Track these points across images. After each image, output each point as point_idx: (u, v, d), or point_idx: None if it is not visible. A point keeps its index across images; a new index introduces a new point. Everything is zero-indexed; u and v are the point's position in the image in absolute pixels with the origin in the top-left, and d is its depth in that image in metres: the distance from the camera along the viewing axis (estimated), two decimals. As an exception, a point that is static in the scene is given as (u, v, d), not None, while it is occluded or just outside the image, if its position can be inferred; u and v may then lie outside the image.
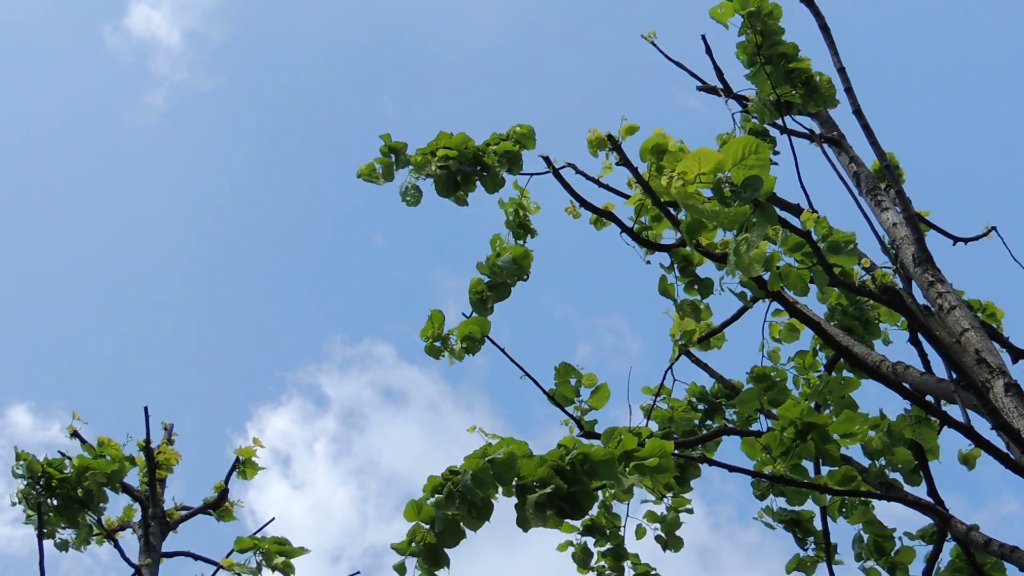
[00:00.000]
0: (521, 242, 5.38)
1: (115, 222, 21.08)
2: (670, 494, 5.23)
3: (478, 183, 4.97)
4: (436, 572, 3.81)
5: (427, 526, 3.75)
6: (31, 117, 21.15)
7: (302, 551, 6.63)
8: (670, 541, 5.21)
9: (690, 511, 5.20)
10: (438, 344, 5.18)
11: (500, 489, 3.62)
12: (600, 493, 4.63)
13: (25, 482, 6.48)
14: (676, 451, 5.17)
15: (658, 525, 5.25)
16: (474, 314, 5.18)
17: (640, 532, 5.24)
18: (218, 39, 22.21)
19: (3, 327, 19.97)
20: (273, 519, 7.12)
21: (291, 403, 20.67)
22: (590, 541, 5.22)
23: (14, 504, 6.50)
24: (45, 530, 6.46)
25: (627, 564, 5.20)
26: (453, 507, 3.64)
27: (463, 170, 4.85)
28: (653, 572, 5.05)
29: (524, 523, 3.56)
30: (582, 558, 5.15)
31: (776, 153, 5.57)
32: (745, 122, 5.70)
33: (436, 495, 3.70)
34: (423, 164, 4.85)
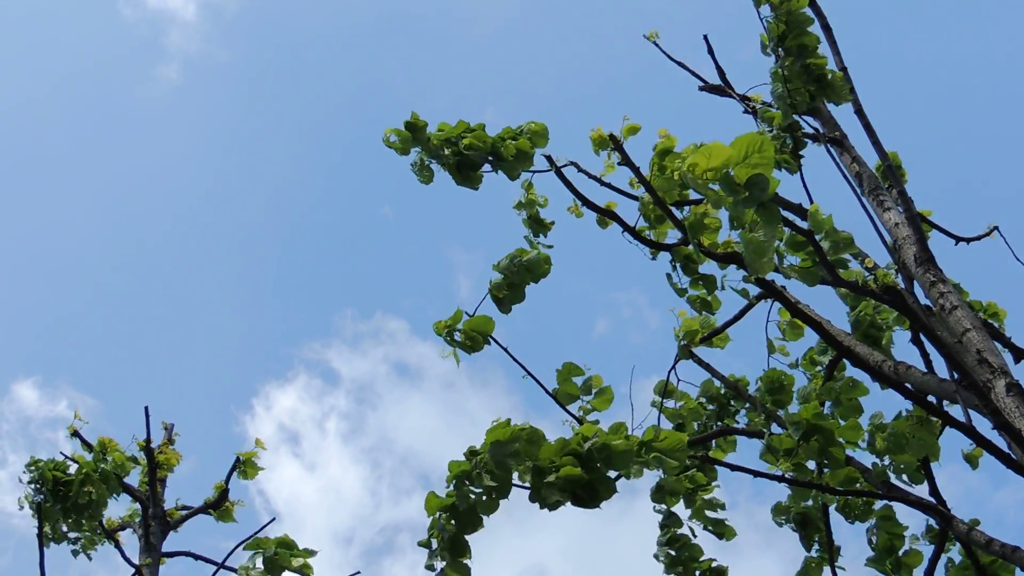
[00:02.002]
0: (542, 237, 5.43)
1: (122, 195, 21.10)
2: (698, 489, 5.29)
3: (488, 170, 5.02)
4: (461, 561, 3.83)
5: (444, 515, 3.77)
6: (43, 90, 21.18)
7: (309, 553, 6.60)
8: (721, 531, 5.30)
9: (723, 506, 5.28)
10: (447, 338, 5.21)
11: (516, 472, 3.66)
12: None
13: (34, 487, 6.50)
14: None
15: (702, 523, 5.33)
16: (479, 312, 5.21)
17: (692, 532, 5.32)
18: (233, 11, 22.23)
19: (10, 301, 19.98)
20: (274, 519, 7.12)
21: (300, 380, 20.54)
22: (671, 551, 5.29)
23: (21, 508, 6.53)
24: (54, 535, 6.49)
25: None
26: (479, 483, 3.67)
27: (477, 161, 4.89)
28: (715, 564, 5.13)
29: (542, 500, 3.58)
30: (671, 564, 5.21)
31: (801, 157, 5.51)
32: (764, 115, 5.62)
33: (459, 476, 3.72)
34: (438, 149, 4.89)
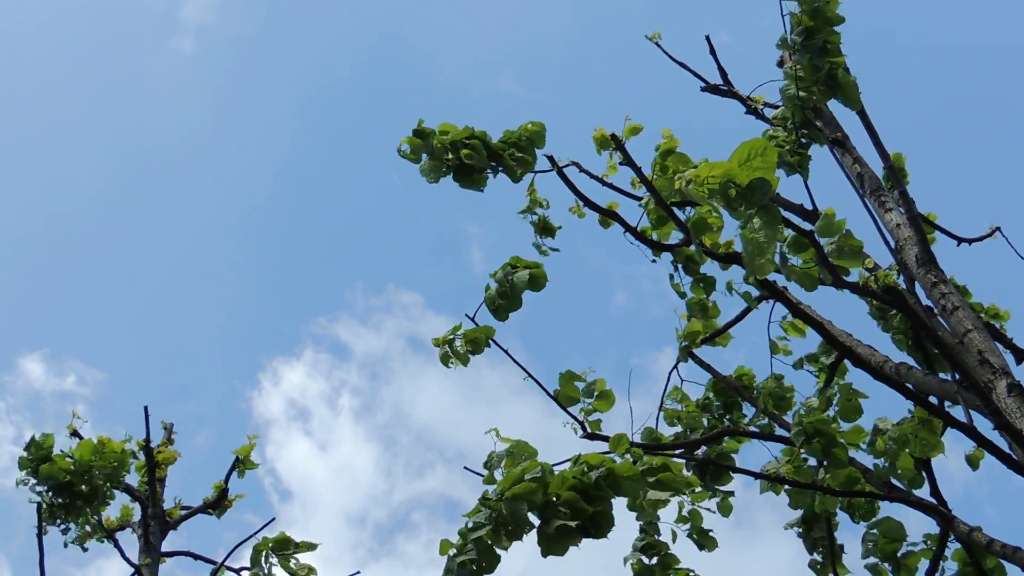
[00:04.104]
0: (549, 240, 5.45)
1: (131, 167, 21.00)
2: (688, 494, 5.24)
3: (491, 174, 5.06)
4: None
5: (461, 557, 3.77)
6: (55, 61, 21.10)
7: (309, 546, 6.57)
8: (704, 541, 5.21)
9: (711, 511, 5.17)
10: (448, 349, 5.21)
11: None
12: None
13: (33, 480, 6.49)
14: (690, 454, 5.18)
15: (688, 527, 5.25)
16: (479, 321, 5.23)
17: (673, 536, 5.23)
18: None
19: (16, 275, 19.92)
20: (274, 519, 7.10)
21: (312, 356, 20.32)
22: (644, 558, 5.22)
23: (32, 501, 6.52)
24: (56, 528, 6.49)
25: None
26: (491, 532, 3.68)
27: (479, 165, 4.92)
28: (692, 574, 5.05)
29: (547, 550, 3.62)
30: (641, 572, 5.16)
31: (805, 156, 5.49)
32: (779, 117, 5.59)
33: (475, 522, 3.73)
34: (442, 153, 4.92)
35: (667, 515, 5.26)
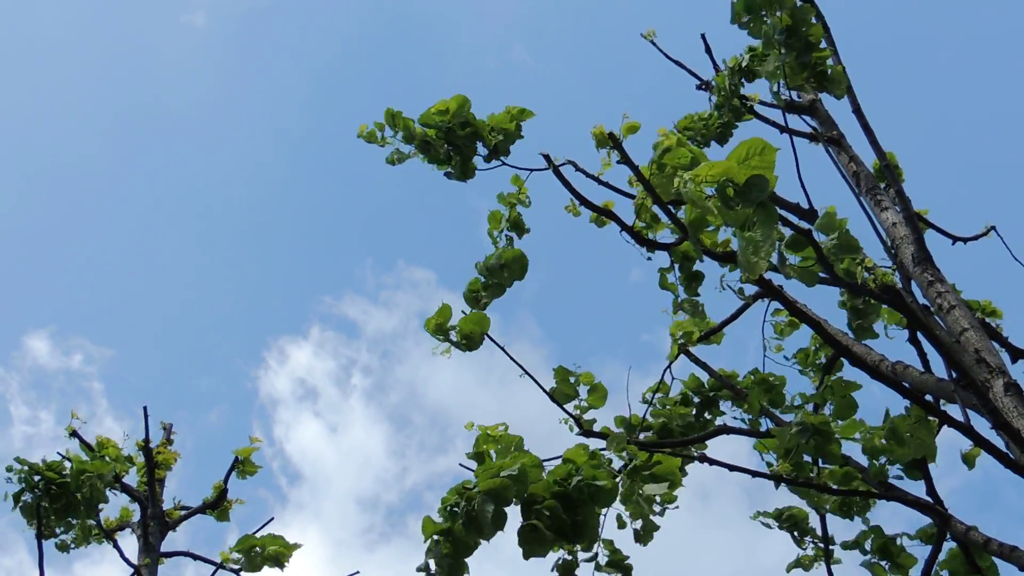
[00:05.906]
0: (514, 234, 5.44)
1: (138, 146, 20.99)
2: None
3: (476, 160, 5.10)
4: None
5: (441, 539, 3.77)
6: (63, 37, 21.09)
7: (296, 546, 6.67)
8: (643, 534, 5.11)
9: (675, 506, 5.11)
10: (440, 336, 5.21)
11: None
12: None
13: (22, 485, 6.47)
14: (671, 451, 5.16)
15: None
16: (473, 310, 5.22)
17: (620, 523, 5.17)
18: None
19: (26, 252, 19.90)
20: (272, 519, 7.13)
21: (318, 334, 20.19)
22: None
23: (13, 505, 6.49)
24: (44, 531, 6.47)
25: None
26: (462, 525, 3.69)
27: (456, 143, 4.94)
28: (627, 561, 4.95)
29: (528, 552, 3.65)
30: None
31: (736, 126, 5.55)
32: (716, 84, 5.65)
33: (450, 511, 3.74)
34: (420, 134, 4.94)
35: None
